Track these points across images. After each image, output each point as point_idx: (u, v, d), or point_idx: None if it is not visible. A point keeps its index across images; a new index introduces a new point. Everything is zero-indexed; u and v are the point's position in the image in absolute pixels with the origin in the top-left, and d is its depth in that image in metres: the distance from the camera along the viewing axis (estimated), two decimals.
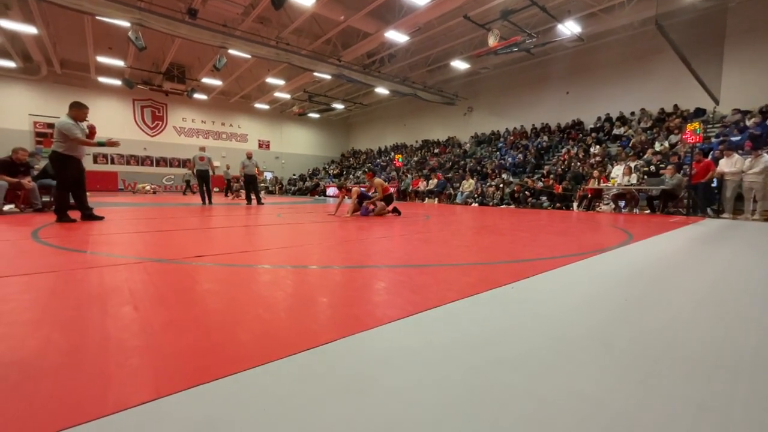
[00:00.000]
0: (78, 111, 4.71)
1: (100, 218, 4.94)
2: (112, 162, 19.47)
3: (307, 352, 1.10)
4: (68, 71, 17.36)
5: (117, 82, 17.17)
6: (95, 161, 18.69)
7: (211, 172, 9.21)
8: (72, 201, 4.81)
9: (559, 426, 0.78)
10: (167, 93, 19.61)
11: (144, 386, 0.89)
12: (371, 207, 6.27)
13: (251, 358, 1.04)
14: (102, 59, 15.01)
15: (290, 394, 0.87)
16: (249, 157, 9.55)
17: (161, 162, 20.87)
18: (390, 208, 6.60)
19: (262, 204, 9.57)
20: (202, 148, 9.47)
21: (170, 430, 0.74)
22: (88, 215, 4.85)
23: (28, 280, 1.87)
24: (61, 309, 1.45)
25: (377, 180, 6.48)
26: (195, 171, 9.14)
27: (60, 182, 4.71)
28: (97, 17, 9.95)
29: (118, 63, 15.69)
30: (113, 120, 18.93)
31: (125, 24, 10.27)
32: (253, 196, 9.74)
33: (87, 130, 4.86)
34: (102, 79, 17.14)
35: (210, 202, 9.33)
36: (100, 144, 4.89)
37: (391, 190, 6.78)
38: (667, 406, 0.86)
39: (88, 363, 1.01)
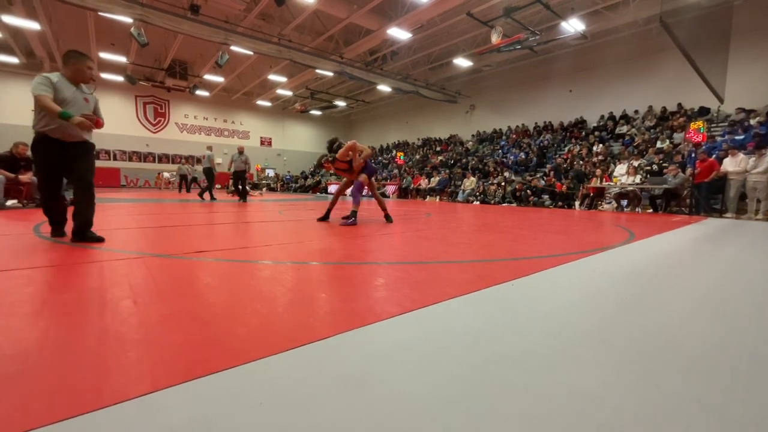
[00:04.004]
0: (76, 64, 2.77)
1: (100, 240, 2.83)
2: (115, 158, 19.52)
3: (306, 346, 1.09)
4: None
5: (119, 78, 17.18)
6: (97, 157, 18.72)
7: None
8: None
9: (557, 422, 0.77)
10: (169, 89, 19.63)
11: (141, 379, 0.89)
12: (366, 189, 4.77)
13: (249, 352, 1.04)
14: (104, 55, 15.02)
15: (287, 388, 0.87)
16: (240, 152, 9.25)
17: (163, 158, 20.90)
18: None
19: (246, 201, 9.15)
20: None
21: (167, 422, 0.74)
22: (84, 235, 2.79)
23: (28, 273, 1.88)
24: (61, 302, 1.46)
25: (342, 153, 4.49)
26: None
27: (36, 175, 3.13)
28: (99, 13, 9.95)
29: (121, 59, 15.70)
30: (116, 116, 18.96)
31: (127, 20, 10.27)
32: (241, 191, 9.42)
33: (90, 101, 2.98)
34: (104, 75, 17.15)
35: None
36: (65, 116, 2.57)
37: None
38: (665, 403, 0.85)
39: (86, 355, 1.01)
